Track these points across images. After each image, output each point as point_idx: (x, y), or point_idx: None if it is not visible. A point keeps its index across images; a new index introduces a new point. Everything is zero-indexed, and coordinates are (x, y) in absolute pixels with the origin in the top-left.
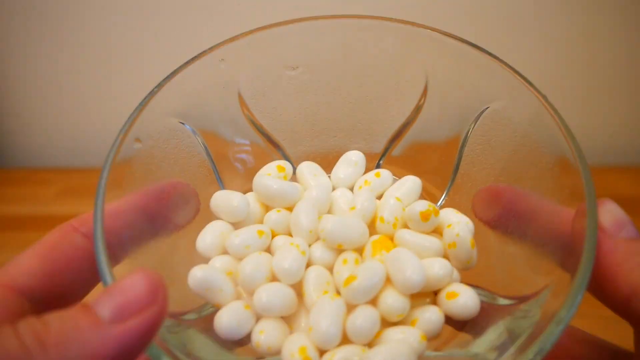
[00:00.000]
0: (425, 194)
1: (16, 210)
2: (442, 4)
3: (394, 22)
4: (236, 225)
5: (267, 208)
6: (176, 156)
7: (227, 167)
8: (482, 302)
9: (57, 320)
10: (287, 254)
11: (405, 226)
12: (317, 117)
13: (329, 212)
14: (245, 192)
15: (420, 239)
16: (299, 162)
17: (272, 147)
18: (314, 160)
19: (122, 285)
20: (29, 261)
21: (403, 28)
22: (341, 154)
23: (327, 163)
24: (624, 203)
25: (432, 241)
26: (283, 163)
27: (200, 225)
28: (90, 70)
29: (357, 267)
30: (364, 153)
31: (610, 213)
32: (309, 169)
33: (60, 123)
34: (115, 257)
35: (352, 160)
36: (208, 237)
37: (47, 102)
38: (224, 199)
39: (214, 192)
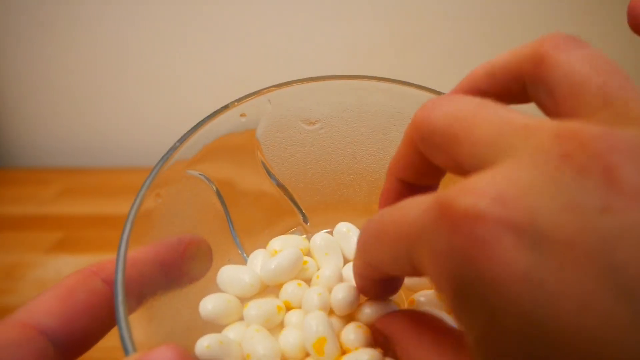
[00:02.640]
0: None
1: (16, 210)
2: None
3: (407, 87)
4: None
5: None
6: (192, 208)
7: (241, 216)
8: None
9: None
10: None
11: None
12: (332, 171)
13: None
14: (253, 244)
15: None
16: (310, 212)
17: (286, 197)
18: (325, 209)
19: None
20: (49, 303)
21: (417, 93)
22: (352, 205)
23: (337, 210)
24: None
25: None
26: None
27: (213, 280)
28: (90, 71)
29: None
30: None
31: None
32: (322, 244)
33: (60, 123)
34: (130, 306)
35: None
36: (210, 304)
37: (47, 103)
38: (232, 275)
39: (228, 242)
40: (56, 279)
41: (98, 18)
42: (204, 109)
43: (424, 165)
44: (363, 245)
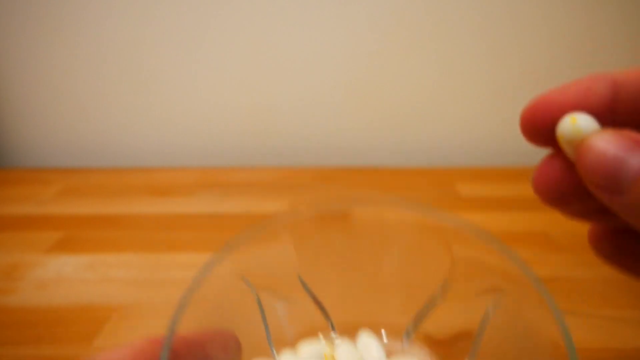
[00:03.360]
0: None
1: (16, 210)
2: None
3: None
4: None
5: None
6: (233, 307)
7: (276, 319)
8: None
9: None
10: None
11: None
12: (356, 286)
13: None
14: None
15: None
16: (338, 320)
17: (317, 306)
18: (352, 319)
19: None
20: (122, 355)
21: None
22: (376, 315)
23: (365, 317)
24: None
25: None
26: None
27: None
28: (90, 70)
29: None
30: (393, 325)
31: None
32: (346, 355)
33: (60, 123)
34: None
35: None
36: None
37: (47, 103)
38: None
39: (261, 343)
40: (56, 279)
41: (98, 18)
42: (204, 109)
43: None
44: None
